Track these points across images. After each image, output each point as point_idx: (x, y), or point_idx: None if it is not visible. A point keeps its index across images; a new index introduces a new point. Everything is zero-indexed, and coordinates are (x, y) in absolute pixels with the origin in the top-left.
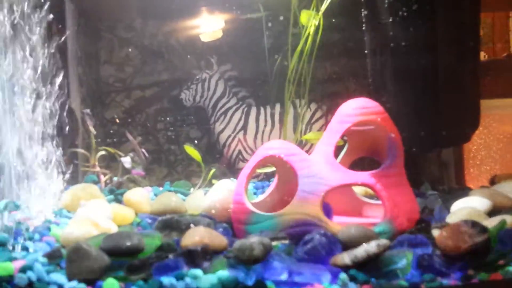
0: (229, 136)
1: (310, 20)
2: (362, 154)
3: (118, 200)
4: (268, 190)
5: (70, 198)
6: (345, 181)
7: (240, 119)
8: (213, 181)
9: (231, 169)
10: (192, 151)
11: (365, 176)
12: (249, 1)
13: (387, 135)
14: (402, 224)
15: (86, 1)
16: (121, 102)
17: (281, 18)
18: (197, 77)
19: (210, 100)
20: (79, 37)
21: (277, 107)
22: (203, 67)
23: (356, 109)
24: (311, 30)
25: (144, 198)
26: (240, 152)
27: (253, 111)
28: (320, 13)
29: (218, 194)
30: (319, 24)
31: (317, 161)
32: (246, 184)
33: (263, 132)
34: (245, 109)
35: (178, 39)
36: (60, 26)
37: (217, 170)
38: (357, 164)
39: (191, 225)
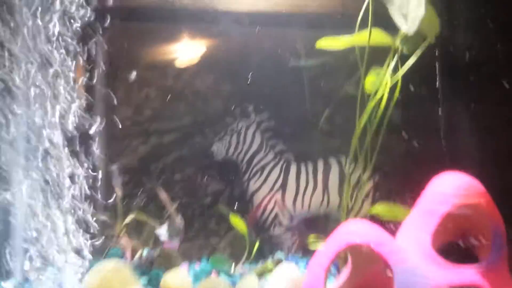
0: (265, 197)
1: (381, 83)
2: (450, 238)
3: (153, 285)
4: (338, 281)
5: (98, 283)
6: (452, 280)
7: (278, 177)
8: (268, 263)
9: (262, 233)
10: (237, 221)
11: (472, 273)
12: (292, 46)
13: (491, 222)
14: None
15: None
16: (137, 149)
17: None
18: (232, 127)
19: (245, 154)
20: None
21: (320, 164)
22: (238, 115)
23: (458, 189)
24: (383, 93)
25: (185, 283)
26: (276, 215)
27: (293, 168)
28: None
29: (281, 284)
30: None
31: (412, 252)
32: (324, 279)
33: (304, 193)
34: (284, 165)
35: (206, 81)
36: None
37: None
38: None
39: None
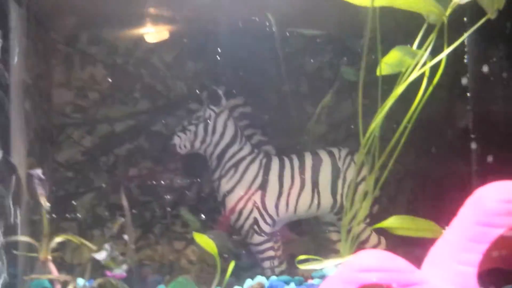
0: (240, 198)
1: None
2: (489, 265)
3: None
4: None
5: None
6: None
7: (256, 175)
8: None
9: (238, 244)
10: (204, 241)
11: None
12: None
13: None
14: None
15: (39, 3)
16: (81, 140)
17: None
18: (198, 114)
19: (215, 147)
20: (28, 52)
21: (308, 157)
22: (205, 100)
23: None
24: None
25: None
26: (255, 221)
27: (275, 163)
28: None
29: None
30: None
31: None
32: None
33: (288, 193)
34: (264, 160)
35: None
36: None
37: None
38: None
39: None
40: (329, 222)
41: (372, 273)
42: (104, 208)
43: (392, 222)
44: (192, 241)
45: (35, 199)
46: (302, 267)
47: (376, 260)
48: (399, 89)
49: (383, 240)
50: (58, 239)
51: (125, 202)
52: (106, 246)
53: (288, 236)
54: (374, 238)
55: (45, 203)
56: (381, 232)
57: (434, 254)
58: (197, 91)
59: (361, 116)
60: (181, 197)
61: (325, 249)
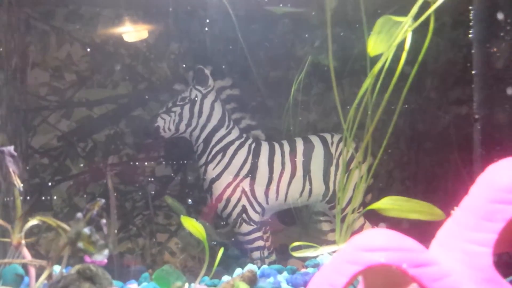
0: (228, 185)
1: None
2: (506, 248)
3: None
4: None
5: None
6: None
7: (245, 160)
8: (238, 281)
9: (226, 233)
10: (192, 225)
11: None
12: None
13: None
14: None
15: None
16: (57, 124)
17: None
18: (183, 95)
19: (201, 130)
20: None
21: (299, 143)
22: (191, 80)
23: None
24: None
25: None
26: (244, 209)
27: (264, 148)
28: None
29: None
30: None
31: (467, 276)
32: None
33: (278, 179)
34: (253, 145)
35: (147, 38)
36: None
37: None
38: None
39: None
40: (320, 211)
41: (380, 252)
42: (82, 197)
43: (384, 203)
44: (175, 233)
45: (6, 179)
46: (296, 254)
47: (385, 238)
48: (377, 66)
49: None
50: (33, 221)
51: (110, 185)
52: (86, 229)
53: (277, 225)
54: (367, 228)
55: (18, 183)
56: (376, 222)
57: (443, 234)
58: (182, 70)
59: (337, 98)
60: (164, 185)
61: (316, 240)
